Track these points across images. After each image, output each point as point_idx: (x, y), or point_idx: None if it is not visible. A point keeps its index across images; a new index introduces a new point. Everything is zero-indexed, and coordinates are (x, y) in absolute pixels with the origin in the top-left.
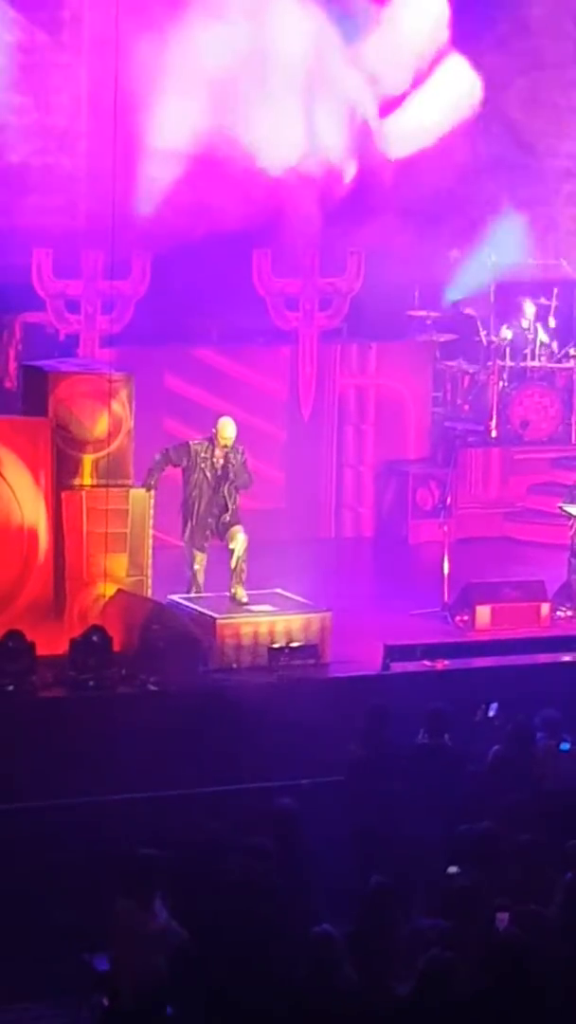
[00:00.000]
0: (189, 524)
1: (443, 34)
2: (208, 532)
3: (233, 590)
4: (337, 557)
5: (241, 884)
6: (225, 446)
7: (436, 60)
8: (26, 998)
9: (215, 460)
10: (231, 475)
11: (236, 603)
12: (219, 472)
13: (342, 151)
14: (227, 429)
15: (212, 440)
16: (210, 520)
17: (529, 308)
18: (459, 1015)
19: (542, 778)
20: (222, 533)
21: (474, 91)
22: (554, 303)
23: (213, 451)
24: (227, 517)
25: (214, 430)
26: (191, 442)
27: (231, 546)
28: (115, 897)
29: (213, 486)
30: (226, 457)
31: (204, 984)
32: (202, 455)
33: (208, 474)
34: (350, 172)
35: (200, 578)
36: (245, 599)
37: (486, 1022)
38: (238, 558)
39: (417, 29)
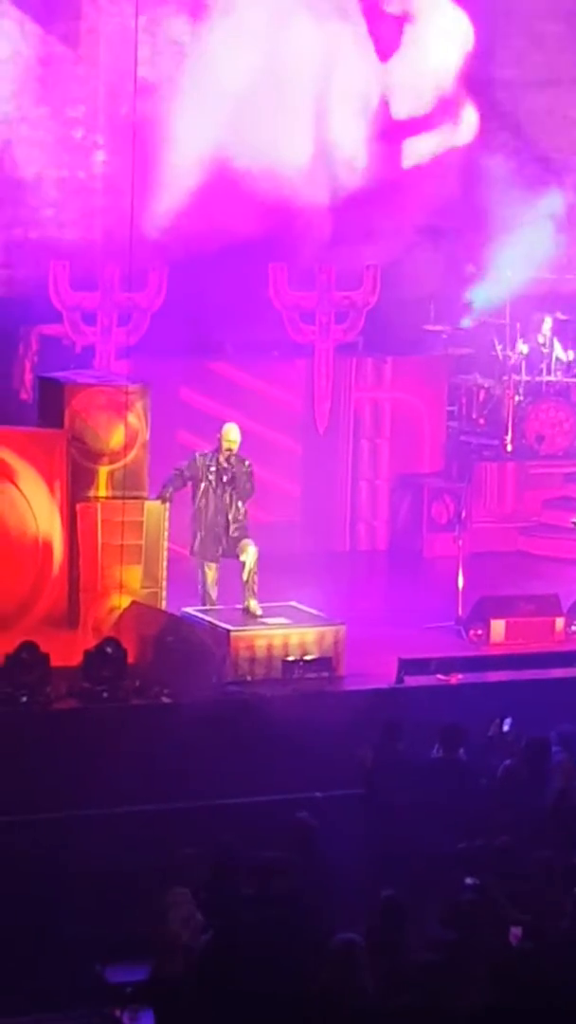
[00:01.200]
0: (199, 535)
1: (464, 51)
2: (218, 544)
3: (246, 603)
4: (352, 570)
5: (259, 896)
6: (229, 449)
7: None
8: (39, 1009)
9: (219, 466)
10: (234, 481)
11: (250, 616)
12: (223, 478)
13: (358, 164)
14: (231, 432)
15: (218, 447)
16: (218, 530)
17: (545, 323)
18: None
19: (559, 793)
20: (231, 548)
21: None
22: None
23: (217, 458)
24: (234, 530)
25: (219, 435)
26: (197, 454)
27: (242, 558)
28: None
29: (218, 493)
30: (229, 462)
31: (222, 991)
32: (207, 463)
33: (212, 480)
34: (366, 184)
35: (213, 593)
36: (259, 612)
37: None
38: (249, 570)
39: (440, 50)
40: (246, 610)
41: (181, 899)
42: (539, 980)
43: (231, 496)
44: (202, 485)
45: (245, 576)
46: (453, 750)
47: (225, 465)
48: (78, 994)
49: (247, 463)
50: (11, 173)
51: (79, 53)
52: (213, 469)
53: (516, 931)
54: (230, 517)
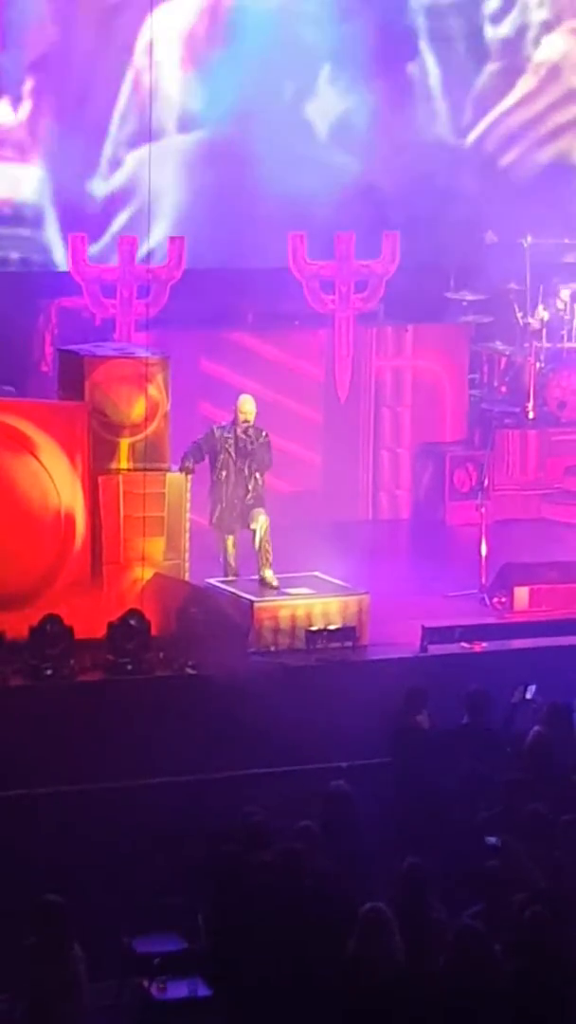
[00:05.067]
0: (219, 507)
1: None
2: (236, 515)
3: (262, 573)
4: (374, 539)
5: (286, 865)
6: (245, 421)
7: None
8: None
9: (236, 438)
10: (251, 453)
11: (266, 586)
12: (241, 449)
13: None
14: (246, 404)
15: (234, 420)
16: (236, 502)
17: (565, 289)
18: (494, 995)
19: None
20: (244, 517)
21: None
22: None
23: (235, 430)
24: (250, 499)
25: (234, 407)
26: (214, 427)
27: (252, 527)
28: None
29: (237, 465)
30: (247, 434)
31: (246, 964)
32: (225, 436)
33: (232, 452)
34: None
35: (233, 562)
36: (275, 582)
37: (521, 1003)
38: (261, 539)
39: None
40: (262, 580)
41: None
42: (562, 945)
43: (250, 468)
44: (220, 458)
45: (257, 545)
46: (480, 715)
47: (243, 437)
48: (106, 965)
49: (264, 434)
50: None
51: None
52: (231, 442)
53: None
54: (249, 487)
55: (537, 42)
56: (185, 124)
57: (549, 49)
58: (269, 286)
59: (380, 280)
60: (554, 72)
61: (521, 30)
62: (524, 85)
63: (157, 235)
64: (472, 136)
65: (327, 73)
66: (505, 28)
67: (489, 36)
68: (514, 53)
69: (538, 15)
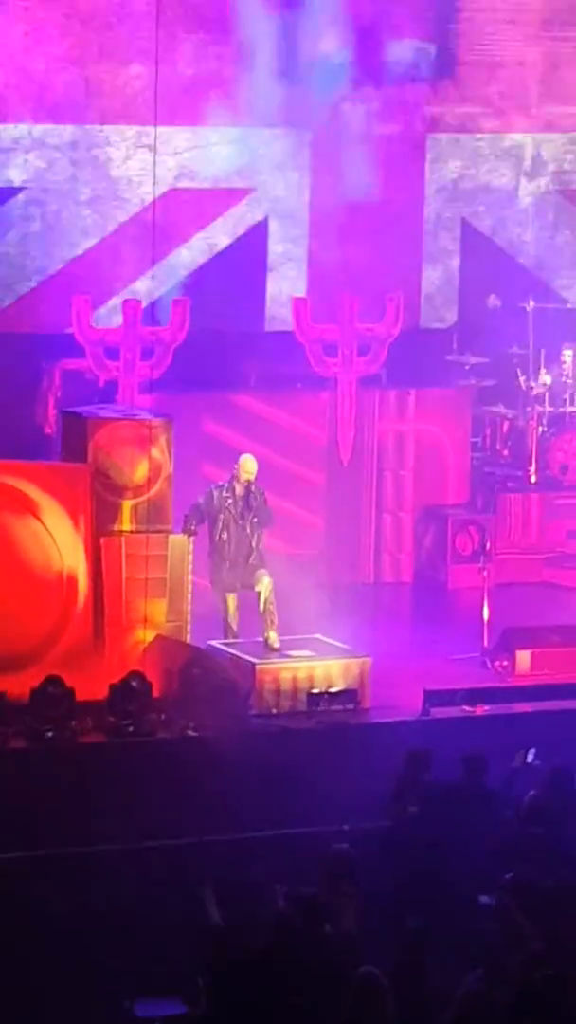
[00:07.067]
0: (222, 567)
1: None
2: (237, 574)
3: (265, 635)
4: (376, 602)
5: (286, 929)
6: (247, 480)
7: None
8: None
9: (237, 497)
10: (253, 510)
11: (268, 648)
12: (241, 508)
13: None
14: (249, 463)
15: (233, 478)
16: (240, 560)
17: (567, 353)
18: None
19: None
20: (248, 578)
21: None
22: None
23: (235, 488)
24: (253, 559)
25: (236, 466)
26: (212, 488)
27: (257, 588)
28: None
29: (239, 524)
30: (247, 491)
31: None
32: (224, 495)
33: (233, 511)
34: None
35: (234, 624)
36: (277, 644)
37: None
38: (265, 600)
39: None
40: (265, 643)
41: None
42: (561, 1008)
43: (252, 526)
44: (221, 518)
45: (261, 607)
46: (475, 777)
47: (245, 496)
48: None
49: (262, 492)
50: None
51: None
52: (231, 501)
53: None
54: (252, 545)
55: None
56: None
57: None
58: (272, 348)
59: (383, 343)
60: None
61: None
62: None
63: None
64: None
65: None
66: None
67: None
68: None
69: None
